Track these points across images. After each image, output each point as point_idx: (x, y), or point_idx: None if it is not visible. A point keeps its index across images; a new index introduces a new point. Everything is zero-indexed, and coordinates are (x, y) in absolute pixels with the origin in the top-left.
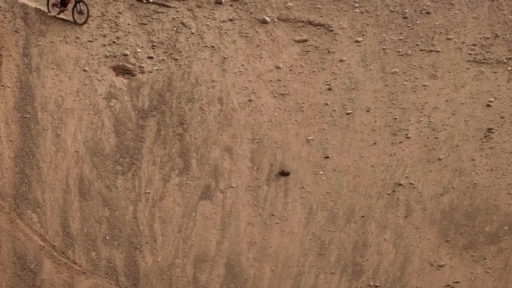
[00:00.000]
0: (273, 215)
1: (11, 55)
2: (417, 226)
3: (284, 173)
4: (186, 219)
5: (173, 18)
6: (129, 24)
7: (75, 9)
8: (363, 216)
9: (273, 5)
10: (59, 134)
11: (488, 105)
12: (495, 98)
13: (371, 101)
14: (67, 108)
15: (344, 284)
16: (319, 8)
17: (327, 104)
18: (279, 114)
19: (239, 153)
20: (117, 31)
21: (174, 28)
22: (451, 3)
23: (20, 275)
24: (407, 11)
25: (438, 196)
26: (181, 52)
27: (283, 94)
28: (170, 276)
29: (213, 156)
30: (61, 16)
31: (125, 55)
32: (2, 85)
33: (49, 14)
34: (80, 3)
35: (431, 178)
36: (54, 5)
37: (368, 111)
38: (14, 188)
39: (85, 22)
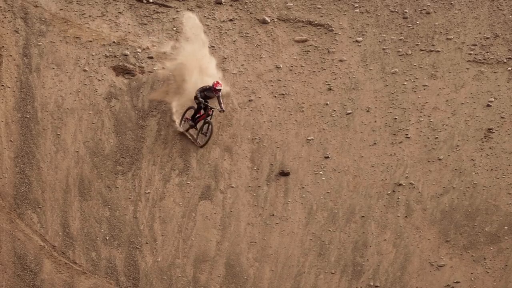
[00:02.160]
0: (273, 215)
1: (11, 55)
2: (417, 226)
3: (284, 173)
4: (186, 219)
5: (173, 18)
6: (129, 24)
7: (202, 129)
8: (363, 216)
9: (273, 5)
10: (59, 134)
11: (488, 105)
12: (495, 98)
13: (371, 101)
14: (67, 108)
15: (344, 284)
16: (319, 8)
17: (327, 104)
18: (279, 114)
19: (239, 153)
20: (117, 31)
21: (174, 28)
22: (451, 3)
23: (20, 275)
24: (407, 11)
25: (438, 196)
26: (181, 52)
27: (283, 94)
28: (170, 276)
29: (213, 156)
30: (186, 134)
31: (125, 55)
32: (2, 85)
33: (178, 128)
34: (208, 124)
35: (431, 178)
36: (187, 119)
37: (368, 111)
38: (14, 188)
39: (204, 145)
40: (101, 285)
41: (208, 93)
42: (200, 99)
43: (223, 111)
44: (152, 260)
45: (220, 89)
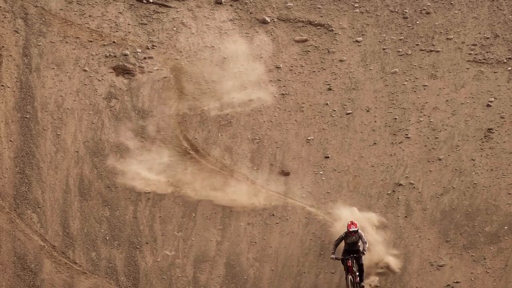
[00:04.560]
0: (273, 215)
1: (11, 55)
2: (417, 226)
3: (284, 173)
4: (186, 219)
5: (173, 18)
6: (129, 24)
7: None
8: None
9: (273, 5)
10: (59, 134)
11: (488, 105)
12: (495, 98)
13: (371, 101)
14: (67, 108)
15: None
16: (319, 8)
17: (327, 104)
18: (279, 114)
19: (239, 153)
20: (117, 31)
21: (174, 28)
22: (451, 3)
23: (20, 275)
24: (407, 11)
25: (438, 196)
26: (181, 52)
27: (283, 94)
28: (170, 276)
29: (213, 156)
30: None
31: (125, 55)
32: (2, 85)
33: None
34: (352, 276)
35: (431, 178)
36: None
37: (368, 111)
38: (14, 188)
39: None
40: (101, 285)
41: (348, 241)
42: (340, 258)
43: (363, 253)
44: (152, 260)
45: (357, 230)
